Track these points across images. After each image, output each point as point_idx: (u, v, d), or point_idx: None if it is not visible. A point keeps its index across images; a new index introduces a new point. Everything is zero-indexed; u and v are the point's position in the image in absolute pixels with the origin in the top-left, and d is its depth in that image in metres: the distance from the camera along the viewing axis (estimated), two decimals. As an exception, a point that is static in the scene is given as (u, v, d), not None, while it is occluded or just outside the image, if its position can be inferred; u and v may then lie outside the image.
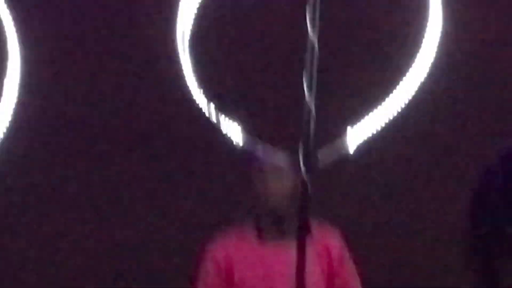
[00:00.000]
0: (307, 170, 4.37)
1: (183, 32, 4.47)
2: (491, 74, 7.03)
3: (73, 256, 8.16)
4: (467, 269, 1.99)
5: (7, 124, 4.50)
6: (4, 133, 4.51)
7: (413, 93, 4.45)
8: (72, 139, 8.05)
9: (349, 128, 4.48)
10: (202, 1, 4.48)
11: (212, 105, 4.67)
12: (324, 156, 4.47)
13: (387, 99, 4.48)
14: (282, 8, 5.18)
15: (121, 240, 8.15)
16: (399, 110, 4.47)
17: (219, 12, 4.79)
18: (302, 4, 4.40)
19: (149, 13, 7.70)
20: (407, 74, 4.47)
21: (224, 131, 4.70)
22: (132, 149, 8.35)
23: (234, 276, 5.11)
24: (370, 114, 4.48)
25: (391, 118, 4.50)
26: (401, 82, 4.48)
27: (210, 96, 4.69)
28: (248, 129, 4.73)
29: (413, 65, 4.51)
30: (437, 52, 4.47)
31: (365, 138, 4.50)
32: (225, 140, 4.77)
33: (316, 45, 4.26)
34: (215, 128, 4.78)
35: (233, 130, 4.65)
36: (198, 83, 4.60)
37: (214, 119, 4.69)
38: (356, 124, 4.52)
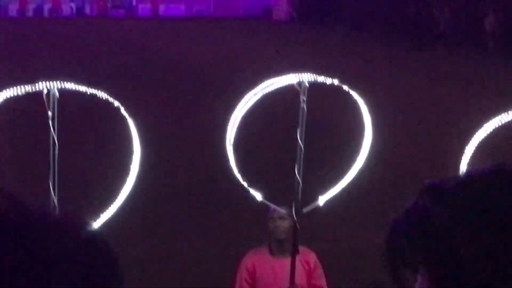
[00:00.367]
0: (297, 217, 6.06)
1: (231, 131, 5.96)
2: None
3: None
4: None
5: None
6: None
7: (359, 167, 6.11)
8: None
9: (320, 196, 6.16)
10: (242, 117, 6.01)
11: (243, 176, 6.09)
12: (306, 208, 6.10)
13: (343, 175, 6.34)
14: (280, 125, 6.89)
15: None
16: (351, 180, 6.17)
17: (245, 124, 6.61)
18: (294, 124, 6.28)
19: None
20: (357, 158, 6.11)
21: (249, 191, 6.24)
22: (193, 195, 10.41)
23: (256, 277, 6.59)
24: (335, 184, 6.06)
25: (345, 185, 6.06)
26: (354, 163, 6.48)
27: (242, 169, 6.18)
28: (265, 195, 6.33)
29: (360, 151, 6.17)
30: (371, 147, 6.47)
31: (330, 197, 6.06)
32: (249, 196, 6.33)
33: (302, 146, 5.82)
34: (244, 188, 6.24)
35: (254, 191, 6.24)
36: (236, 162, 6.09)
37: (244, 183, 6.16)
38: (325, 191, 6.13)
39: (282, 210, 6.27)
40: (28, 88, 5.52)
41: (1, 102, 5.66)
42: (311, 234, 6.63)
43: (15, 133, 5.52)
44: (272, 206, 6.29)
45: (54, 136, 5.48)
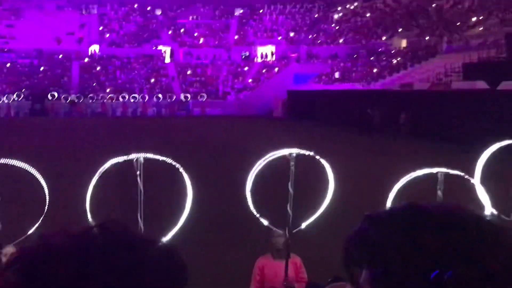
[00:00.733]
0: (289, 235, 6.31)
1: (249, 182, 6.39)
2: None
3: None
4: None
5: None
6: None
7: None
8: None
9: (303, 222, 6.75)
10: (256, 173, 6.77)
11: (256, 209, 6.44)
12: (295, 230, 6.31)
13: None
14: (278, 178, 7.05)
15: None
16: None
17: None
18: (287, 178, 6.58)
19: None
20: (325, 199, 6.68)
21: (260, 219, 6.59)
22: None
23: (264, 272, 6.71)
24: (312, 215, 6.44)
25: (318, 215, 6.37)
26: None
27: (255, 205, 6.47)
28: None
29: (327, 195, 6.61)
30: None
31: (309, 223, 6.46)
32: (260, 222, 6.60)
33: (292, 191, 6.19)
34: (257, 217, 6.59)
35: (263, 218, 6.59)
36: (252, 201, 6.42)
37: (257, 214, 6.51)
38: (306, 220, 6.52)
39: (280, 231, 6.45)
40: (125, 157, 6.10)
41: (110, 166, 6.09)
42: (298, 246, 6.86)
43: (117, 185, 5.75)
44: (274, 228, 6.52)
45: (141, 186, 5.82)
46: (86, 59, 68.68)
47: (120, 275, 0.99)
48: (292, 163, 6.23)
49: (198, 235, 6.68)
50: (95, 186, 6.06)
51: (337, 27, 72.96)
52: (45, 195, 6.27)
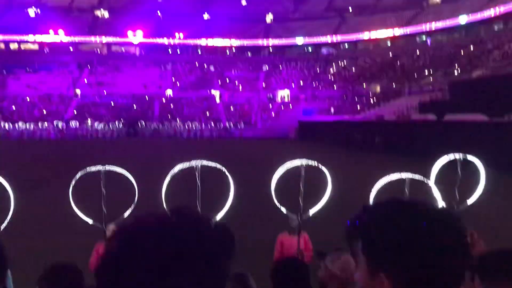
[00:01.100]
0: (300, 219, 6.20)
1: (273, 183, 7.03)
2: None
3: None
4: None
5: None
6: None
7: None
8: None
9: (310, 210, 6.69)
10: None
11: (278, 202, 7.38)
12: (304, 216, 6.22)
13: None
14: (294, 180, 6.98)
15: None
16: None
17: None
18: (299, 180, 6.64)
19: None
20: (325, 194, 6.74)
21: (280, 208, 7.51)
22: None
23: (283, 244, 6.67)
24: (316, 205, 6.22)
25: (320, 207, 6.20)
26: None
27: (277, 199, 6.49)
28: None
29: (327, 191, 6.62)
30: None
31: (315, 211, 6.22)
32: (281, 211, 6.74)
33: (302, 188, 6.13)
34: (278, 207, 6.98)
35: (283, 208, 7.26)
36: (275, 196, 6.52)
37: (279, 205, 7.13)
38: (312, 208, 6.25)
39: (294, 216, 6.35)
40: (188, 163, 6.08)
41: (177, 171, 6.00)
42: (306, 226, 6.73)
43: (181, 185, 5.74)
44: (290, 214, 6.37)
45: (199, 183, 5.81)
46: (164, 99, 69.46)
47: (192, 245, 0.99)
48: (302, 170, 6.17)
49: (238, 219, 6.56)
50: (168, 184, 5.97)
51: (332, 78, 72.87)
52: (135, 190, 6.25)
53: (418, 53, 66.91)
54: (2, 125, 57.26)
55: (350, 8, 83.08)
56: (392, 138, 35.57)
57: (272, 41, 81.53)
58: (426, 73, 57.22)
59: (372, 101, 57.13)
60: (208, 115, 65.99)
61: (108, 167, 6.13)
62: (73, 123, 60.04)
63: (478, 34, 60.43)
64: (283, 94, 70.11)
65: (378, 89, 61.04)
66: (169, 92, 71.38)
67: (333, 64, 76.85)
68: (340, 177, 7.34)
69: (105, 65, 75.47)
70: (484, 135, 24.86)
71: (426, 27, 69.76)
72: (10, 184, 5.72)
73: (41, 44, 75.90)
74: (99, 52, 78.82)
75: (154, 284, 0.94)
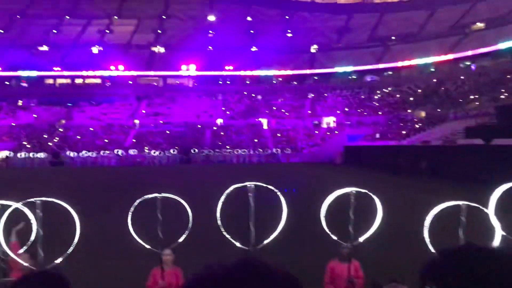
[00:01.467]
0: (353, 246, 6.70)
1: (325, 205, 7.06)
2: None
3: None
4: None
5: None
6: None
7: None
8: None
9: (359, 237, 6.88)
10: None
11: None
12: (356, 242, 6.33)
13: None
14: (345, 203, 6.90)
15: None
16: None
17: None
18: (349, 204, 6.71)
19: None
20: (375, 222, 6.95)
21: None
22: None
23: (334, 271, 6.27)
24: (367, 231, 6.38)
25: (371, 233, 6.42)
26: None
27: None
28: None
29: (377, 217, 6.94)
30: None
31: (366, 237, 6.32)
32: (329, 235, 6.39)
33: (352, 214, 6.51)
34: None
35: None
36: (325, 223, 6.25)
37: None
38: (363, 235, 6.73)
39: (344, 243, 6.04)
40: (242, 184, 6.03)
41: (230, 191, 6.08)
42: (357, 253, 6.47)
43: (236, 202, 5.64)
44: (340, 241, 6.02)
45: (252, 203, 5.87)
46: (215, 128, 70.48)
47: None
48: (352, 196, 5.97)
49: (287, 244, 6.37)
50: (223, 202, 5.98)
51: (377, 104, 71.63)
52: (189, 216, 6.23)
53: (462, 78, 64.88)
54: (68, 154, 59.76)
55: (393, 36, 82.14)
56: (438, 163, 34.31)
57: (316, 70, 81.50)
58: (471, 98, 55.30)
59: (417, 127, 55.57)
60: (256, 141, 66.24)
61: (164, 194, 6.15)
62: (132, 151, 61.81)
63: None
64: (329, 120, 69.57)
65: (423, 114, 59.41)
66: (219, 120, 72.39)
67: (377, 91, 75.68)
68: (388, 203, 7.03)
69: (161, 96, 77.78)
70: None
71: (469, 52, 67.71)
72: (75, 210, 5.89)
73: (103, 79, 79.31)
74: (156, 85, 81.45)
75: None
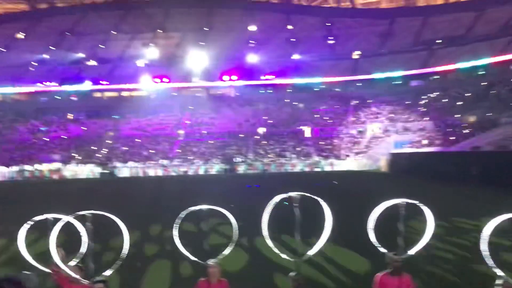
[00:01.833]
0: (402, 259, 6.61)
1: (373, 217, 6.94)
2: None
3: None
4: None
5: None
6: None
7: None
8: None
9: (409, 250, 6.64)
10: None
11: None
12: (404, 255, 6.66)
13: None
14: (395, 213, 7.30)
15: None
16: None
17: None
18: (399, 213, 6.38)
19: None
20: (427, 229, 6.75)
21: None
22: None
23: (383, 285, 5.87)
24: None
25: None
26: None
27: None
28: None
29: (427, 227, 6.76)
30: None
31: (417, 249, 6.57)
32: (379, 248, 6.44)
33: (403, 228, 6.48)
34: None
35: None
36: (374, 235, 6.56)
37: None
38: (413, 247, 6.66)
39: (394, 256, 5.79)
40: (286, 195, 5.96)
41: (278, 199, 5.94)
42: (407, 266, 6.23)
43: (276, 213, 5.54)
44: (389, 254, 5.87)
45: (298, 213, 5.79)
46: (257, 136, 70.74)
47: None
48: (402, 209, 5.77)
49: (334, 253, 6.15)
50: (268, 213, 5.91)
51: (423, 109, 69.68)
52: (235, 227, 6.18)
53: (514, 80, 62.24)
54: (116, 164, 61.56)
55: (438, 39, 79.93)
56: (490, 169, 32.87)
57: (360, 76, 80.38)
58: (525, 101, 52.86)
59: (466, 132, 53.61)
60: (299, 149, 65.94)
61: (209, 206, 6.16)
62: (177, 161, 62.93)
63: None
64: (373, 127, 68.34)
65: (472, 119, 57.28)
66: (261, 129, 72.59)
67: (423, 95, 73.66)
68: (438, 212, 6.78)
69: (204, 107, 78.95)
70: None
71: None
72: (123, 221, 5.98)
73: (148, 91, 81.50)
74: (198, 95, 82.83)
75: None
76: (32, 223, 5.70)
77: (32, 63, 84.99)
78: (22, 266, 4.73)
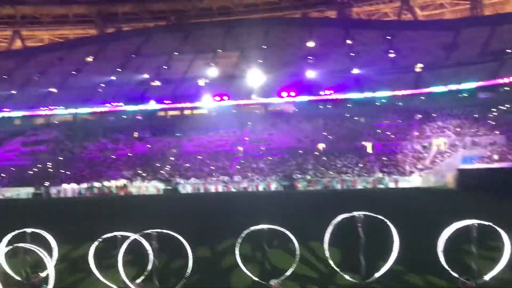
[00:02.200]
0: (475, 284, 6.37)
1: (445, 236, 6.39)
2: None
3: None
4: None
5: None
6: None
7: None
8: None
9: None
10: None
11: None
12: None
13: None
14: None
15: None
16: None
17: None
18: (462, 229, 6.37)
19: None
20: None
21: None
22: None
23: None
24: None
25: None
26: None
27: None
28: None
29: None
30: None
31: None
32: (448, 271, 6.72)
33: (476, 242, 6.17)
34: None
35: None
36: (444, 257, 6.43)
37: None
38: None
39: (467, 281, 5.49)
40: (350, 214, 5.82)
41: (341, 219, 5.97)
42: None
43: (339, 233, 5.42)
44: (462, 278, 5.67)
45: (362, 236, 5.66)
46: (316, 153, 70.22)
47: None
48: (474, 230, 5.46)
49: (400, 277, 5.84)
50: (330, 233, 5.91)
51: (493, 123, 66.15)
52: (296, 247, 6.10)
53: None
54: (179, 181, 63.29)
55: (508, 49, 75.93)
56: None
57: (424, 90, 77.72)
58: None
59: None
60: (361, 165, 64.61)
61: (270, 226, 6.14)
62: (237, 177, 63.66)
63: None
64: (439, 142, 65.69)
65: (549, 132, 53.67)
66: (321, 145, 71.93)
67: (493, 108, 69.94)
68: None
69: (263, 123, 79.56)
70: None
71: None
72: (183, 236, 6.06)
73: (209, 109, 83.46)
74: (258, 112, 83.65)
75: None
76: (101, 240, 5.92)
77: (101, 84, 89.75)
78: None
